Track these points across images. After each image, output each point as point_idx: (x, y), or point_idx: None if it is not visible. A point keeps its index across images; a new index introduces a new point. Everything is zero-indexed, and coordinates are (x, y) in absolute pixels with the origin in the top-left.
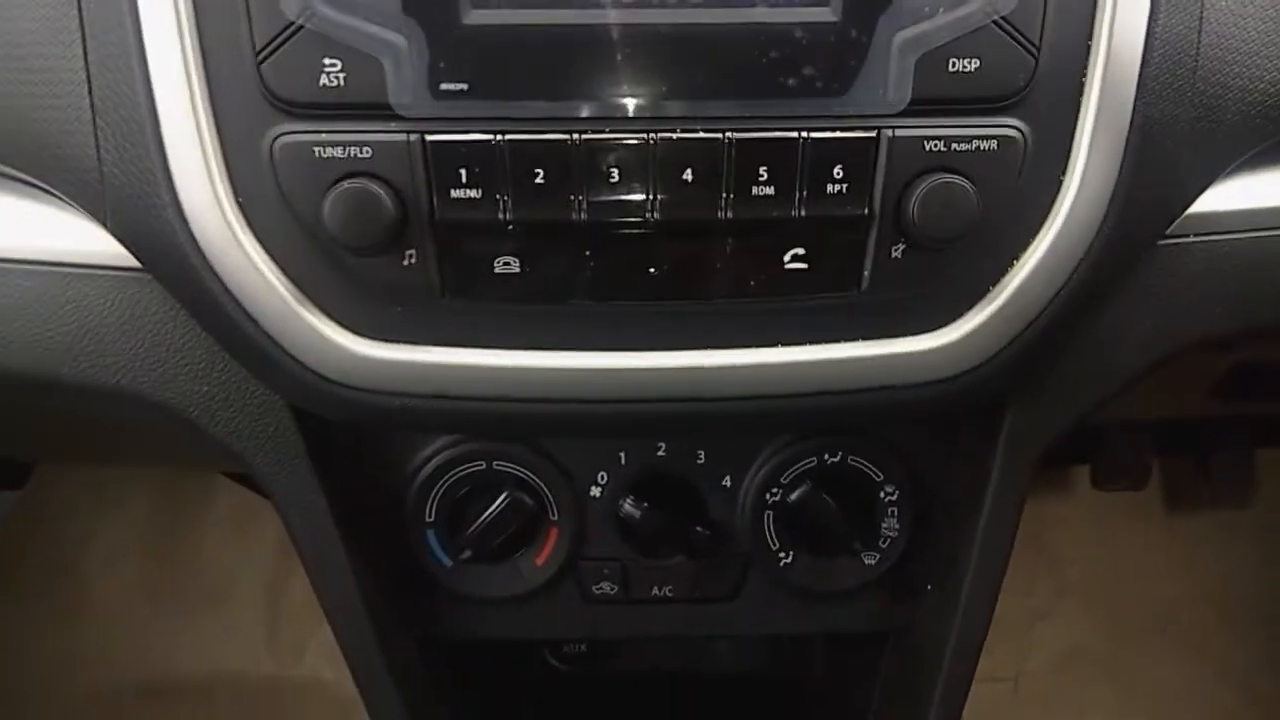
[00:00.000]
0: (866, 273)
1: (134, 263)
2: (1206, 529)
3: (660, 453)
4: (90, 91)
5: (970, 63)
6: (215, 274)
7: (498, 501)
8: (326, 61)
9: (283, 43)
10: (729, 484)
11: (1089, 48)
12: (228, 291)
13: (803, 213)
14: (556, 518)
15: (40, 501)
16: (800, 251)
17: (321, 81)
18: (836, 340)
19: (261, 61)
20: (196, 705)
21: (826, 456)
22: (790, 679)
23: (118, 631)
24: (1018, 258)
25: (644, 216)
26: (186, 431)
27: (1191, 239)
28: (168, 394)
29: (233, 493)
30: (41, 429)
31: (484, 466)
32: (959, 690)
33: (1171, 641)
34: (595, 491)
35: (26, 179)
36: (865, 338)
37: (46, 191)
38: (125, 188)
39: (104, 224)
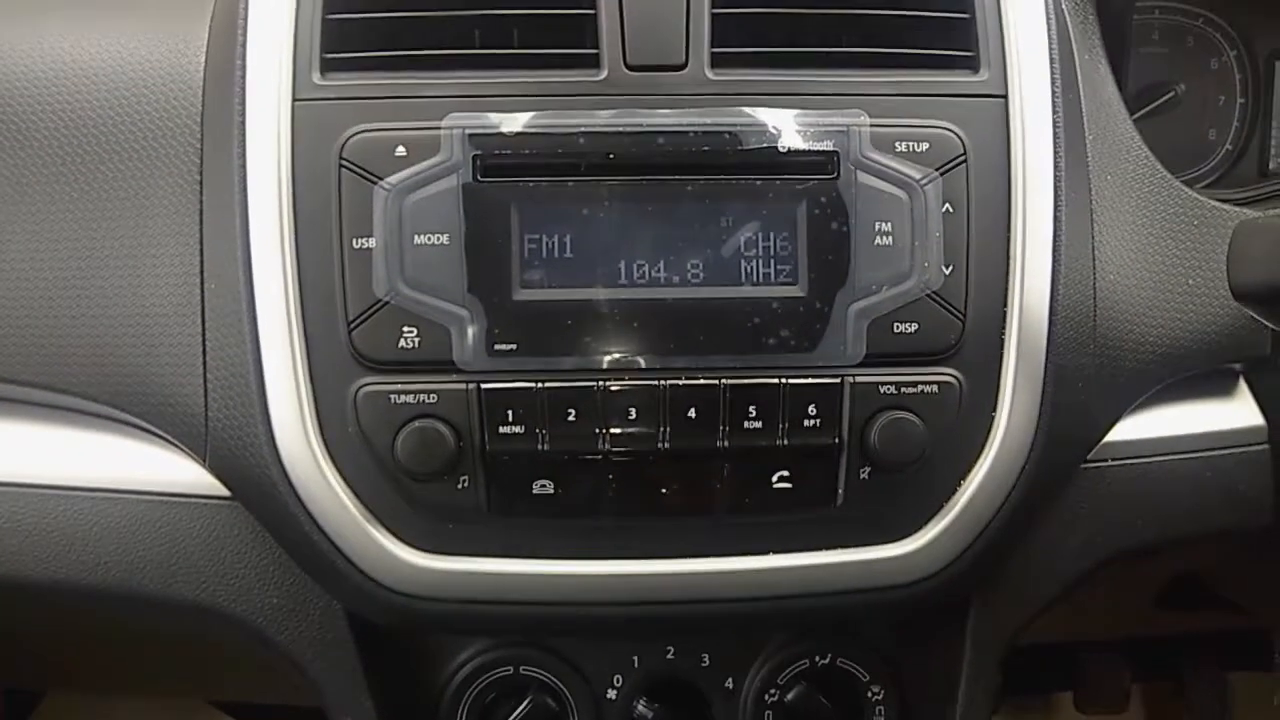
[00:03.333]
0: (840, 491)
1: (223, 491)
2: None
3: (669, 655)
4: (204, 354)
5: (911, 326)
6: (300, 501)
7: (523, 705)
8: (405, 329)
9: (371, 315)
10: (731, 685)
11: (1005, 314)
12: (309, 514)
13: (785, 442)
14: None
15: None
16: (785, 474)
17: (400, 344)
18: (818, 549)
19: (353, 329)
20: None
21: (818, 659)
22: None
23: None
24: (964, 479)
25: (656, 446)
26: (248, 641)
27: (1110, 463)
28: (240, 607)
29: None
30: (73, 655)
31: (511, 671)
32: None
33: None
34: (611, 694)
35: (134, 421)
36: (842, 546)
37: (147, 431)
38: (227, 432)
39: (201, 460)
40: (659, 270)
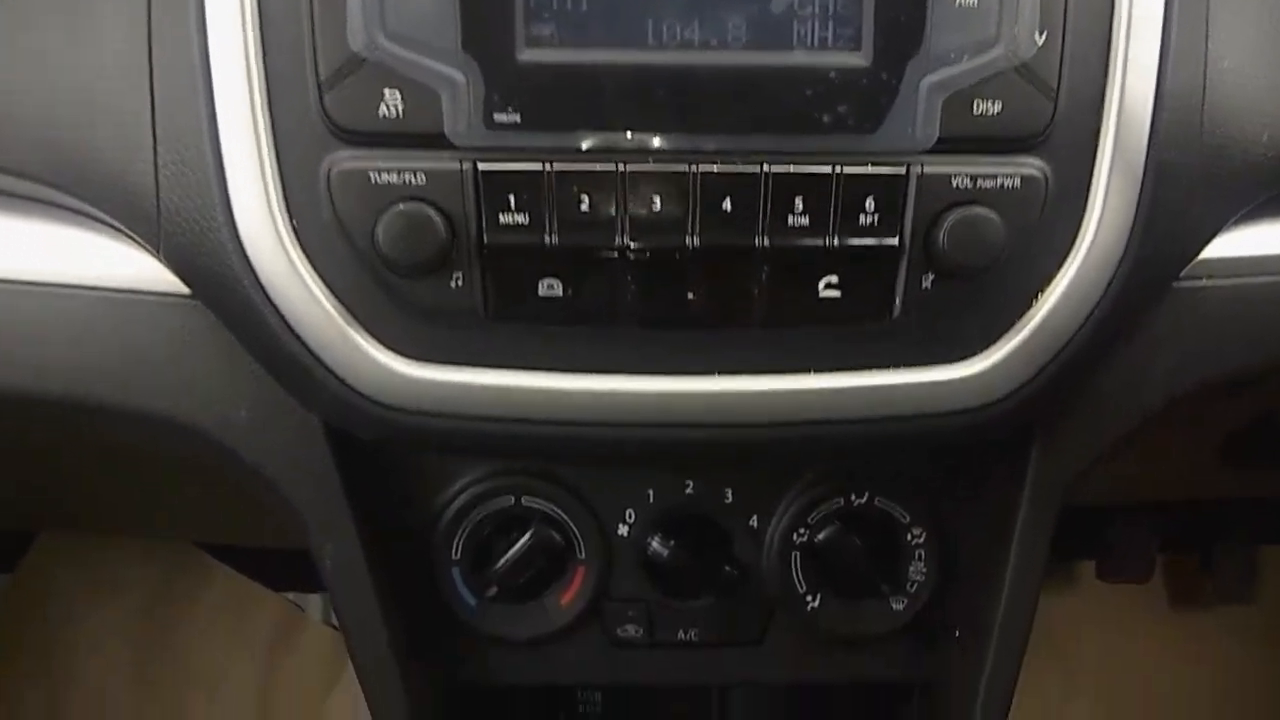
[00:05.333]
0: (898, 301)
1: (182, 289)
2: (1211, 624)
3: (688, 490)
4: (154, 124)
5: (993, 105)
6: (267, 297)
7: (525, 537)
8: (386, 93)
9: (346, 75)
10: (755, 524)
11: (1104, 97)
12: (278, 314)
13: (836, 243)
14: (584, 556)
15: (30, 584)
16: (834, 280)
17: (380, 112)
18: (869, 368)
19: (324, 93)
20: None
21: (853, 497)
22: None
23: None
24: (1043, 291)
25: (683, 243)
26: (220, 461)
27: (1205, 282)
28: (207, 420)
29: (228, 582)
30: (56, 493)
31: (511, 502)
32: None
33: None
34: (623, 530)
35: (80, 207)
36: (897, 365)
37: (97, 219)
38: (181, 215)
39: (156, 251)
40: (693, 29)
